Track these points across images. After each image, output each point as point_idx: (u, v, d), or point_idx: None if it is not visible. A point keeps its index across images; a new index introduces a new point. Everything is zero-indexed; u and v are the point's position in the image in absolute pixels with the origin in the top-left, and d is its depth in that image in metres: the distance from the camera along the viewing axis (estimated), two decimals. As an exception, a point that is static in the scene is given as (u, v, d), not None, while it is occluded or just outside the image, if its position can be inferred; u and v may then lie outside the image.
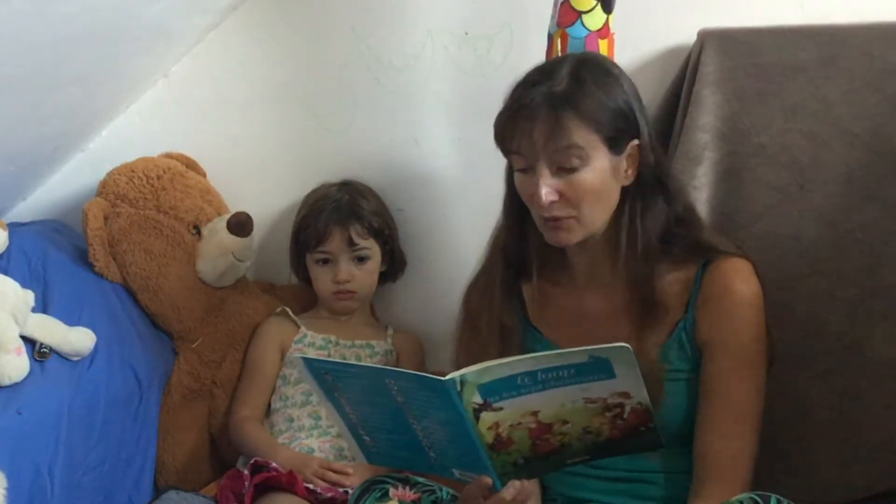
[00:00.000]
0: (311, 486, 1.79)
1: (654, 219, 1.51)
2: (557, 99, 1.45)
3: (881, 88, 1.74)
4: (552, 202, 1.46)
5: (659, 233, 1.51)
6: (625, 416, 1.34)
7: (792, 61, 1.79)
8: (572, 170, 1.45)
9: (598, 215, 1.49)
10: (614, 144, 1.47)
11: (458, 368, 1.30)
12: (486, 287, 1.62)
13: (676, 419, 1.50)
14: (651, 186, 1.51)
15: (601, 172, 1.46)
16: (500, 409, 1.30)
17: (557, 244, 1.52)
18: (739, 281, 1.50)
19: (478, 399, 1.29)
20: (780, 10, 1.87)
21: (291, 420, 1.94)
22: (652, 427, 1.36)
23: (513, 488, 1.36)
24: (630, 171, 1.50)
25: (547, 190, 1.45)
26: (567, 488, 1.57)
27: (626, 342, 1.29)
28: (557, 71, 1.48)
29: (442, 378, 1.27)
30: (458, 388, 1.28)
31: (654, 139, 1.51)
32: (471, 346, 1.60)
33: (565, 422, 1.34)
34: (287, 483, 1.78)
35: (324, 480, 1.81)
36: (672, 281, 1.53)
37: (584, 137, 1.45)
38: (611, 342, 1.29)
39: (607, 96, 1.46)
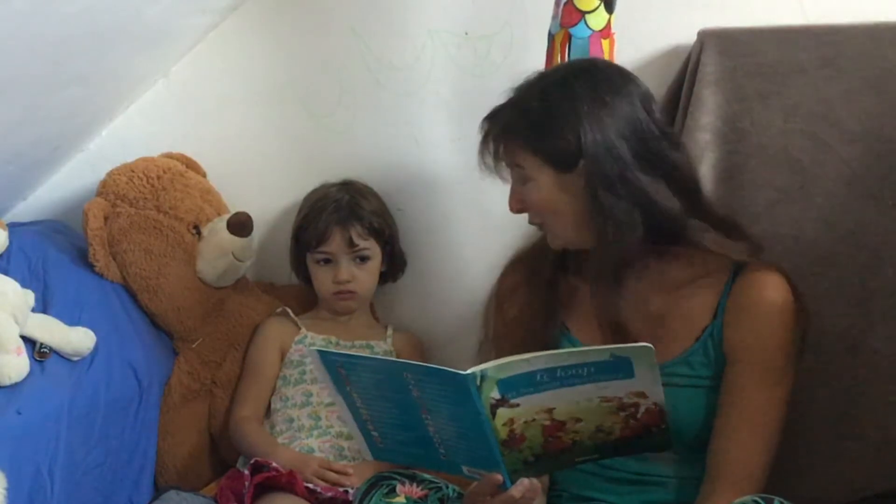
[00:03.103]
0: (311, 486, 1.79)
1: (620, 232, 1.46)
2: (493, 119, 1.52)
3: (881, 88, 1.74)
4: (518, 210, 1.53)
5: (636, 244, 1.47)
6: (638, 416, 1.35)
7: (792, 61, 1.79)
8: (525, 181, 1.51)
9: (561, 227, 1.52)
10: (559, 163, 1.47)
11: (485, 346, 1.31)
12: (527, 275, 1.64)
13: (693, 426, 1.50)
14: (608, 202, 1.45)
15: (547, 190, 1.49)
16: (517, 405, 1.31)
17: (553, 246, 1.55)
18: (771, 290, 1.50)
19: (495, 394, 1.29)
20: (780, 10, 1.87)
21: (291, 420, 1.94)
22: (664, 428, 1.36)
23: (521, 486, 1.36)
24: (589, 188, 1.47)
25: (511, 199, 1.53)
26: (576, 486, 1.58)
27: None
28: (518, 91, 1.53)
29: (463, 372, 1.27)
30: (478, 382, 1.28)
31: (620, 150, 1.45)
32: (497, 328, 1.63)
33: (579, 420, 1.34)
34: (287, 483, 1.78)
35: (324, 480, 1.81)
36: (701, 286, 1.52)
37: (523, 159, 1.50)
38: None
39: (550, 118, 1.46)
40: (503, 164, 1.55)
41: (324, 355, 1.39)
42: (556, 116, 1.46)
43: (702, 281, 1.53)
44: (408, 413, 1.35)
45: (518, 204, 1.53)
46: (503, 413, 1.30)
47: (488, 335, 1.64)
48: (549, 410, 1.32)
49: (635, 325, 1.49)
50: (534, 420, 1.32)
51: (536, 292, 1.60)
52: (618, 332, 1.49)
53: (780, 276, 1.51)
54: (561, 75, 1.53)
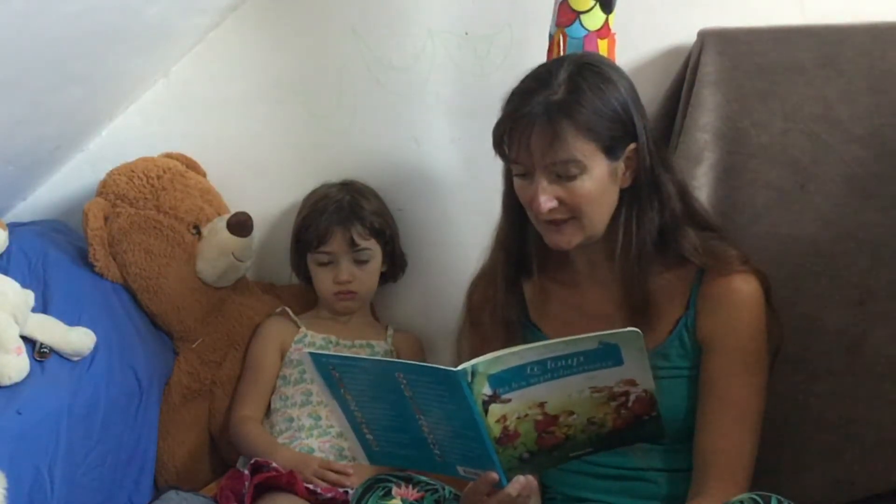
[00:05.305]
0: (311, 487, 1.79)
1: (649, 221, 1.51)
2: (554, 109, 1.45)
3: (881, 88, 1.74)
4: (550, 208, 1.47)
5: (654, 234, 1.52)
6: (629, 404, 1.35)
7: (792, 61, 1.79)
8: (571, 177, 1.46)
9: (597, 219, 1.50)
10: (612, 151, 1.47)
11: (460, 363, 1.30)
12: (489, 283, 1.63)
13: (677, 416, 1.50)
14: (647, 189, 1.51)
15: (599, 179, 1.47)
16: (509, 400, 1.31)
17: (557, 247, 1.53)
18: (740, 279, 1.51)
19: (487, 391, 1.29)
20: (780, 10, 1.87)
21: (291, 420, 1.94)
22: (655, 415, 1.37)
23: (518, 484, 1.36)
24: (628, 174, 1.50)
25: (545, 197, 1.47)
26: (567, 487, 1.58)
27: None
28: (554, 78, 1.48)
29: (453, 369, 1.28)
30: (469, 378, 1.28)
31: (651, 141, 1.51)
32: (474, 342, 1.61)
33: (571, 413, 1.34)
34: (287, 483, 1.78)
35: (324, 480, 1.81)
36: (672, 278, 1.53)
37: (582, 148, 1.45)
38: None
39: (604, 104, 1.46)
40: (545, 159, 1.46)
41: (316, 358, 1.39)
42: (611, 103, 1.47)
43: (671, 273, 1.54)
44: (401, 414, 1.35)
45: (551, 202, 1.46)
46: (495, 409, 1.30)
47: (462, 357, 1.62)
48: (541, 405, 1.33)
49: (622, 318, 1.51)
50: (526, 415, 1.33)
51: (501, 303, 1.60)
52: (641, 312, 1.50)
53: (752, 274, 1.53)
54: (596, 63, 1.52)
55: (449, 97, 2.07)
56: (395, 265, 2.09)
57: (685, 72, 1.87)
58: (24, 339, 1.74)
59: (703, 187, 1.81)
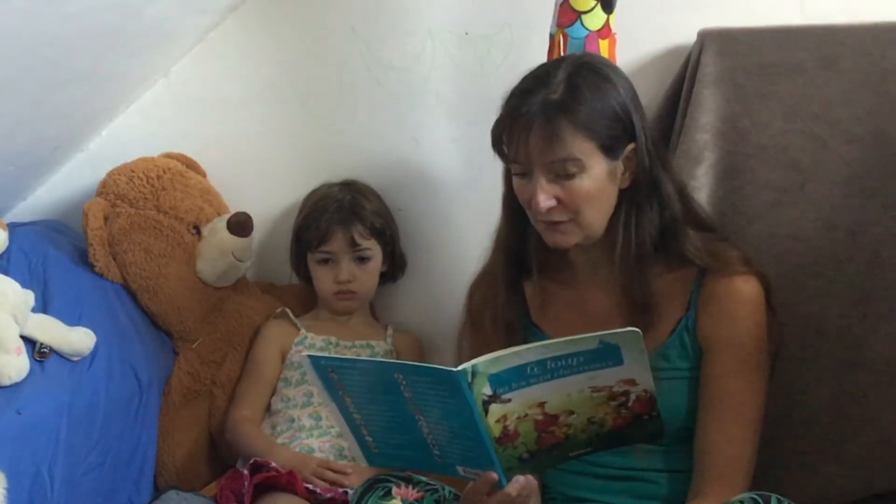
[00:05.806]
0: (310, 486, 1.79)
1: (649, 221, 1.51)
2: (553, 108, 1.45)
3: (881, 88, 1.74)
4: (550, 208, 1.47)
5: (654, 235, 1.52)
6: (629, 404, 1.35)
7: (792, 61, 1.79)
8: (570, 176, 1.46)
9: (596, 219, 1.50)
10: (610, 150, 1.47)
11: (461, 364, 1.30)
12: (490, 285, 1.63)
13: (677, 418, 1.50)
14: (646, 189, 1.51)
15: (598, 179, 1.47)
16: (509, 400, 1.31)
17: (555, 246, 1.53)
18: (740, 280, 1.51)
19: (487, 391, 1.29)
20: (780, 10, 1.87)
21: (292, 420, 1.94)
22: (655, 415, 1.37)
23: (517, 484, 1.36)
24: (627, 174, 1.50)
25: (544, 196, 1.47)
26: (567, 487, 1.58)
27: None
28: (552, 77, 1.48)
29: (454, 369, 1.27)
30: (469, 378, 1.28)
31: (650, 141, 1.51)
32: (475, 344, 1.61)
33: (571, 412, 1.34)
34: (287, 483, 1.78)
35: (322, 480, 1.81)
36: (672, 279, 1.53)
37: (581, 147, 1.45)
38: None
39: (603, 103, 1.46)
40: (543, 158, 1.45)
41: (314, 360, 1.39)
42: (610, 102, 1.47)
43: (672, 274, 1.54)
44: (400, 415, 1.35)
45: (550, 201, 1.46)
46: (495, 409, 1.30)
47: (463, 359, 1.62)
48: (541, 404, 1.33)
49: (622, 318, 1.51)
50: (526, 415, 1.33)
51: (501, 304, 1.60)
52: (642, 313, 1.50)
53: (753, 275, 1.53)
54: (595, 63, 1.52)
55: (449, 97, 2.07)
56: (395, 265, 2.09)
57: (685, 72, 1.87)
58: (24, 339, 1.74)
59: (703, 187, 1.81)
